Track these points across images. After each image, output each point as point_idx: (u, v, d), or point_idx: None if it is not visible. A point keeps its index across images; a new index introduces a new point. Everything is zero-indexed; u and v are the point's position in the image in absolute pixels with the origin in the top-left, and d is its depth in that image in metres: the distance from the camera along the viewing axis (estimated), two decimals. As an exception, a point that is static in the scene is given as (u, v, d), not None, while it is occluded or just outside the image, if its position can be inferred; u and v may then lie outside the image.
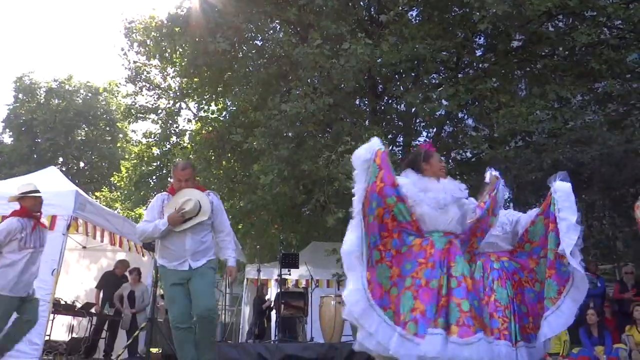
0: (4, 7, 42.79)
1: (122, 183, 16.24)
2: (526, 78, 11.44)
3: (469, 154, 11.48)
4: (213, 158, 12.60)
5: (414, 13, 11.28)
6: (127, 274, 8.21)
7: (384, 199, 2.88)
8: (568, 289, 3.34)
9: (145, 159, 14.21)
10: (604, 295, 8.24)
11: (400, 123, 11.72)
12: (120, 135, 24.61)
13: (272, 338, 8.33)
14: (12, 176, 10.18)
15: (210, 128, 12.88)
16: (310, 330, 8.10)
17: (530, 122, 8.40)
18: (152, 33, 12.44)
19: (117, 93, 23.14)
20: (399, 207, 2.89)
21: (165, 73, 13.84)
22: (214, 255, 4.07)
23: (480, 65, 10.29)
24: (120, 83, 15.47)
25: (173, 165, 4.30)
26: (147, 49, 12.79)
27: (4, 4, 39.39)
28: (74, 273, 8.87)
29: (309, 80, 9.69)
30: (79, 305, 7.69)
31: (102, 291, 8.15)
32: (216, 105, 13.57)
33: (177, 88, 13.79)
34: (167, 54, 12.54)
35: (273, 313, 9.38)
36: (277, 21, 11.75)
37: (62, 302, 7.12)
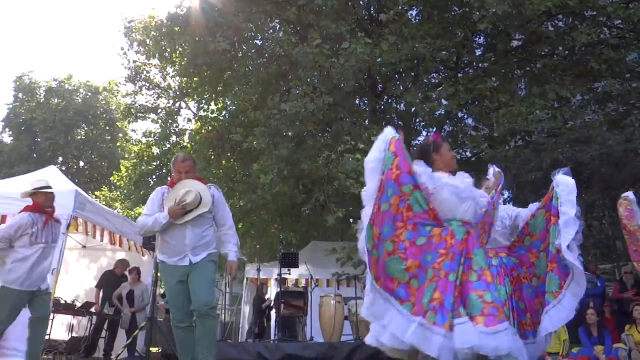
0: (4, 7, 42.79)
1: (122, 182, 16.24)
2: (526, 77, 11.45)
3: (468, 154, 11.49)
4: (213, 157, 12.61)
5: (414, 12, 11.29)
6: (126, 273, 8.21)
7: (400, 187, 2.84)
8: (569, 283, 3.32)
9: (145, 158, 14.21)
10: (604, 294, 8.25)
11: (400, 122, 11.71)
12: (120, 135, 24.63)
13: (272, 337, 8.34)
14: (11, 175, 10.18)
15: (210, 127, 12.88)
16: (310, 330, 8.10)
17: (529, 121, 8.40)
18: (152, 32, 12.45)
19: (117, 92, 23.16)
20: (415, 196, 2.85)
21: (165, 72, 13.86)
22: (215, 249, 3.96)
23: (480, 64, 10.29)
24: (120, 82, 15.52)
25: (173, 157, 4.19)
26: (146, 48, 12.79)
27: (4, 3, 39.38)
28: (74, 272, 8.87)
29: (308, 80, 9.70)
30: (78, 304, 7.68)
31: (101, 290, 8.15)
32: (216, 104, 13.58)
33: (176, 87, 13.80)
34: (166, 54, 12.54)
35: (273, 312, 9.38)
36: (277, 21, 11.76)
37: (62, 302, 7.12)
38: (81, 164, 26.60)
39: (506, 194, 9.58)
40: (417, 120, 11.57)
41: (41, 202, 4.65)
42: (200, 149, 12.28)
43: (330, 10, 9.32)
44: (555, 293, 3.35)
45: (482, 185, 3.45)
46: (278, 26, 12.20)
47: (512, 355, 2.56)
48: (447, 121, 11.50)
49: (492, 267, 3.71)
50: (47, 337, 6.22)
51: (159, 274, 5.97)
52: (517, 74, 11.27)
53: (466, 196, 2.98)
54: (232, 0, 10.15)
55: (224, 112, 13.67)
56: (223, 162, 12.92)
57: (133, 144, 17.46)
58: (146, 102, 13.86)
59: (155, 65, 13.58)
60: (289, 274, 9.24)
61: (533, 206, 3.79)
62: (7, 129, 25.37)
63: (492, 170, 3.49)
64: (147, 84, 13.69)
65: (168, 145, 13.85)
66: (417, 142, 11.15)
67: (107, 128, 25.97)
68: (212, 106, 13.53)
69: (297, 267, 8.81)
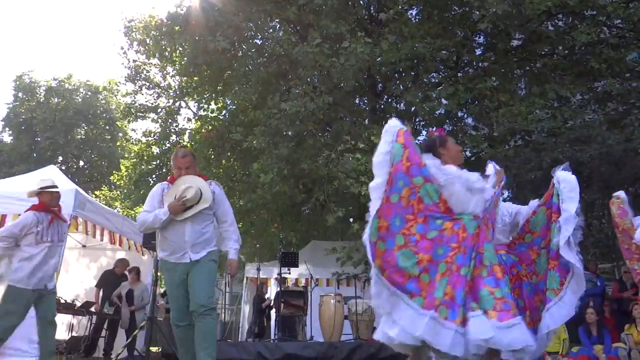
0: (4, 6, 42.78)
1: (122, 182, 16.26)
2: (526, 77, 11.45)
3: (468, 153, 11.46)
4: (213, 157, 12.62)
5: (414, 12, 11.29)
6: (126, 272, 8.21)
7: (411, 179, 2.80)
8: (569, 280, 3.32)
9: (145, 157, 14.22)
10: (604, 294, 8.25)
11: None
12: (120, 134, 24.64)
13: (272, 337, 8.34)
14: (11, 175, 10.17)
15: (210, 127, 12.89)
16: (310, 329, 8.11)
17: (529, 121, 8.40)
18: (152, 32, 12.45)
19: (117, 92, 23.11)
20: (426, 188, 2.82)
21: (165, 72, 13.86)
22: (216, 247, 3.89)
23: (480, 64, 10.29)
24: (120, 82, 15.50)
25: (173, 153, 4.15)
26: (146, 47, 12.80)
27: (3, 3, 39.38)
28: (74, 272, 8.87)
29: (308, 79, 9.70)
30: (78, 304, 7.68)
31: (101, 290, 8.15)
32: (216, 104, 13.59)
33: (176, 87, 13.81)
34: (166, 53, 12.55)
35: (273, 312, 9.39)
36: (277, 20, 11.75)
37: (62, 301, 7.10)
38: (81, 163, 26.60)
39: (506, 193, 9.59)
40: (417, 119, 11.57)
41: (47, 202, 4.69)
42: (200, 148, 12.28)
43: (330, 10, 9.31)
44: (557, 290, 3.34)
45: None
46: (278, 26, 12.20)
47: (526, 350, 2.55)
48: (447, 121, 11.49)
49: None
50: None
51: (159, 274, 5.98)
52: (517, 73, 11.27)
53: (478, 187, 2.96)
54: (232, 0, 10.15)
55: (224, 112, 13.68)
56: (223, 161, 12.92)
57: (133, 143, 17.47)
58: (146, 101, 13.87)
59: (155, 64, 13.58)
60: (289, 273, 9.24)
61: (533, 203, 3.75)
62: (7, 129, 25.38)
63: (493, 167, 3.46)
64: (147, 84, 13.69)
65: (168, 145, 13.86)
66: (417, 141, 11.15)
67: (107, 127, 25.97)
68: (212, 106, 13.54)
69: (297, 266, 8.81)
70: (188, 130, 13.79)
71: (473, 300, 2.63)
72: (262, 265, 9.84)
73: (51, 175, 7.23)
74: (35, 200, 4.75)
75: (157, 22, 12.40)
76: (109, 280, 8.18)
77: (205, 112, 13.60)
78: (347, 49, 8.38)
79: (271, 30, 11.88)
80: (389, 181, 2.81)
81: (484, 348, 2.54)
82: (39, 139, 24.61)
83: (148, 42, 12.66)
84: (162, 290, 9.98)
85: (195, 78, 12.49)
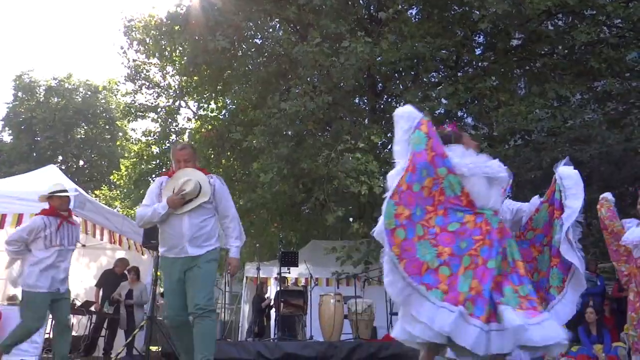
0: (4, 6, 42.77)
1: (122, 181, 16.26)
2: (525, 77, 11.45)
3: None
4: (212, 156, 12.63)
5: (414, 11, 11.29)
6: (126, 272, 8.21)
7: (435, 169, 2.73)
8: (570, 277, 3.31)
9: (145, 157, 14.22)
10: (604, 293, 8.24)
11: (399, 121, 11.71)
12: (120, 134, 24.63)
13: (272, 336, 8.35)
14: (11, 174, 10.17)
15: (210, 126, 12.90)
16: (309, 329, 8.11)
17: (529, 120, 8.41)
18: (152, 31, 12.46)
19: (117, 91, 23.01)
20: (449, 180, 2.74)
21: (165, 71, 13.87)
22: (217, 244, 3.76)
23: (480, 63, 10.30)
24: (119, 81, 15.50)
25: (172, 146, 4.17)
26: (146, 47, 12.80)
27: (3, 2, 39.36)
28: (74, 271, 8.72)
29: (308, 79, 9.70)
30: (78, 303, 7.69)
31: (101, 289, 8.15)
32: (216, 103, 13.59)
33: (176, 86, 13.81)
34: (166, 53, 12.56)
35: (272, 311, 9.39)
36: (277, 20, 11.75)
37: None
38: (81, 163, 26.59)
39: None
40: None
41: (56, 206, 4.77)
42: (200, 148, 12.28)
43: (330, 10, 9.32)
44: (559, 288, 3.32)
45: None
46: (278, 25, 12.20)
47: (561, 344, 2.49)
48: (447, 120, 11.47)
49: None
50: (46, 336, 6.24)
51: (159, 273, 5.97)
52: (516, 73, 11.28)
53: (499, 177, 2.90)
54: (232, -1, 10.16)
55: (223, 111, 13.69)
56: (223, 161, 12.93)
57: (133, 143, 17.46)
58: (146, 101, 13.88)
59: (155, 64, 13.59)
60: (289, 273, 9.24)
61: (536, 200, 3.68)
62: (7, 128, 25.35)
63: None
64: (147, 83, 13.70)
65: (168, 145, 13.86)
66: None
67: (107, 127, 25.95)
68: (212, 105, 13.56)
69: (297, 266, 8.82)
70: (188, 130, 13.81)
71: (500, 295, 2.55)
72: (261, 265, 9.85)
73: (51, 174, 7.27)
74: (45, 205, 4.83)
75: (156, 21, 12.41)
76: (109, 279, 8.18)
77: (205, 112, 13.61)
78: (346, 48, 8.38)
79: (271, 30, 11.88)
80: (411, 169, 2.71)
81: (516, 345, 2.46)
82: (38, 138, 24.60)
83: (148, 41, 12.67)
84: (161, 290, 9.97)
85: (195, 77, 12.50)
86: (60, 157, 25.15)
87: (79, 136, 25.60)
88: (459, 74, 10.42)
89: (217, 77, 11.79)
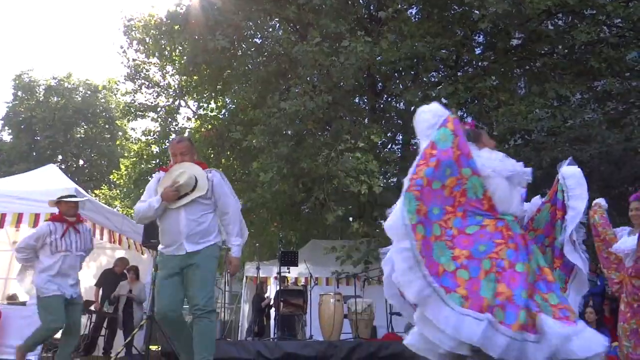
0: (4, 5, 42.73)
1: (122, 181, 16.25)
2: (525, 76, 11.44)
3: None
4: (212, 156, 12.62)
5: (414, 11, 11.28)
6: (125, 271, 8.21)
7: (460, 168, 2.64)
8: (572, 279, 3.29)
9: (145, 156, 14.22)
10: (604, 293, 8.23)
11: (399, 121, 11.73)
12: (120, 133, 24.61)
13: (272, 336, 8.34)
14: (11, 174, 10.16)
15: (210, 126, 12.90)
16: (309, 328, 8.11)
17: (529, 120, 8.40)
18: (152, 31, 12.45)
19: (117, 91, 22.96)
20: (472, 181, 2.66)
21: (165, 71, 13.86)
22: (216, 239, 3.64)
23: (480, 63, 10.29)
24: (119, 81, 15.48)
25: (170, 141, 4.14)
26: (146, 46, 12.80)
27: (3, 2, 39.33)
28: (74, 271, 8.86)
29: (308, 78, 9.69)
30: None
31: (101, 289, 8.15)
32: (215, 103, 13.59)
33: (176, 86, 13.81)
34: (166, 52, 12.55)
35: (272, 311, 9.39)
36: (277, 19, 11.75)
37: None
38: (81, 162, 26.57)
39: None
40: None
41: (63, 211, 4.80)
42: (200, 147, 12.28)
43: (330, 9, 9.31)
44: (562, 289, 3.31)
45: None
46: (278, 25, 12.20)
47: (599, 355, 2.35)
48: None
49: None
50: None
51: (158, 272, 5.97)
52: (516, 72, 11.27)
53: (516, 185, 2.83)
54: (231, -1, 10.15)
55: (223, 111, 13.69)
56: (223, 160, 12.93)
57: (133, 142, 17.47)
58: (146, 100, 13.86)
59: (154, 63, 13.59)
60: (289, 272, 9.24)
61: (537, 200, 3.64)
62: (6, 128, 25.33)
63: None
64: (147, 83, 13.69)
65: (167, 144, 13.86)
66: (417, 140, 11.15)
67: (107, 126, 25.94)
68: (212, 105, 13.56)
69: (297, 265, 8.82)
70: (188, 129, 13.79)
71: (537, 307, 2.39)
72: (261, 264, 9.85)
73: (51, 174, 7.27)
74: (55, 210, 4.91)
75: (156, 21, 12.40)
76: (109, 279, 8.18)
77: (204, 111, 13.61)
78: (346, 48, 8.38)
79: (271, 29, 11.87)
80: (435, 165, 2.59)
81: (553, 357, 2.31)
82: (38, 138, 24.58)
83: (147, 41, 12.66)
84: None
85: (195, 77, 12.49)
86: (60, 157, 25.14)
87: (78, 135, 25.58)
88: (459, 73, 10.42)
89: (217, 76, 11.79)
